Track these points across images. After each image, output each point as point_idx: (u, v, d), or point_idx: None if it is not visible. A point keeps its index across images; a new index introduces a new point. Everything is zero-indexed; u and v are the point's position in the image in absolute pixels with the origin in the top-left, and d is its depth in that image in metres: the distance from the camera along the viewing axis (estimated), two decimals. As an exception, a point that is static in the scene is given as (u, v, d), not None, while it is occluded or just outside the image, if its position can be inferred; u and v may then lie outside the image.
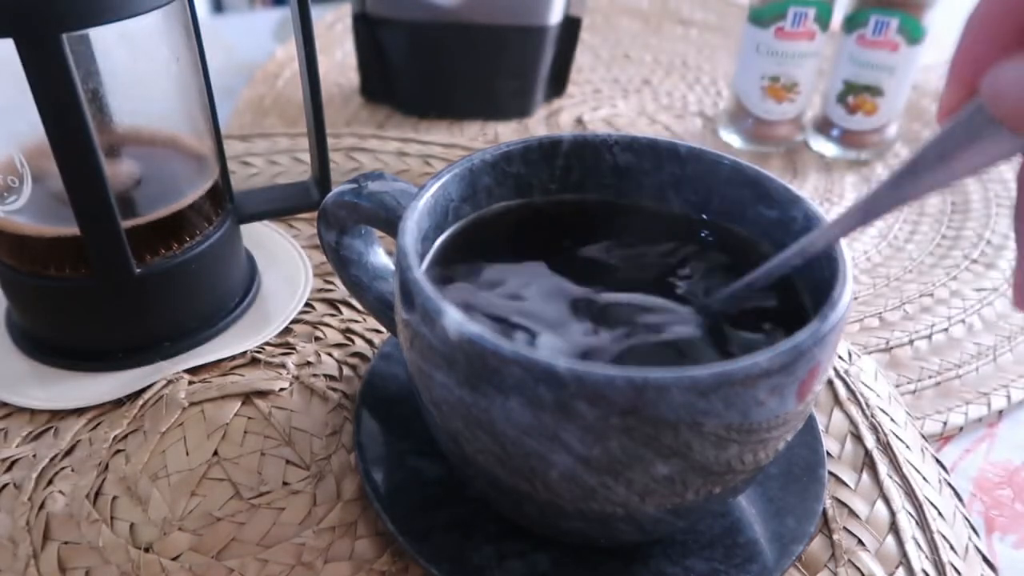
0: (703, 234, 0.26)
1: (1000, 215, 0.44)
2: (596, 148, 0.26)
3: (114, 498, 0.26)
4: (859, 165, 0.49)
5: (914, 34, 0.44)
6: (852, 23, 0.46)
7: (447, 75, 0.50)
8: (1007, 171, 0.48)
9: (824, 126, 0.49)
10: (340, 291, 0.35)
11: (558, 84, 0.54)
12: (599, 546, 0.24)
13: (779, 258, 0.22)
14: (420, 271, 0.20)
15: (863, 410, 0.30)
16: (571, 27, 0.50)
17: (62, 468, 0.27)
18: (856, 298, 0.38)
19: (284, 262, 0.37)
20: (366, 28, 0.48)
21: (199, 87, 0.31)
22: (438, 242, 0.25)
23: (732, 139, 0.50)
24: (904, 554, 0.25)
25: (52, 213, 0.28)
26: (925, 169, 0.17)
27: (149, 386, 0.30)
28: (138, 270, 0.29)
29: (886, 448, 0.28)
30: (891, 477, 0.27)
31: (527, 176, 0.26)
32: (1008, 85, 0.15)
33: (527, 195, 0.27)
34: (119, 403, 0.30)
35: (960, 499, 0.28)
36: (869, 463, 0.28)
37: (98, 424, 0.29)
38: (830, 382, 0.31)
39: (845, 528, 0.26)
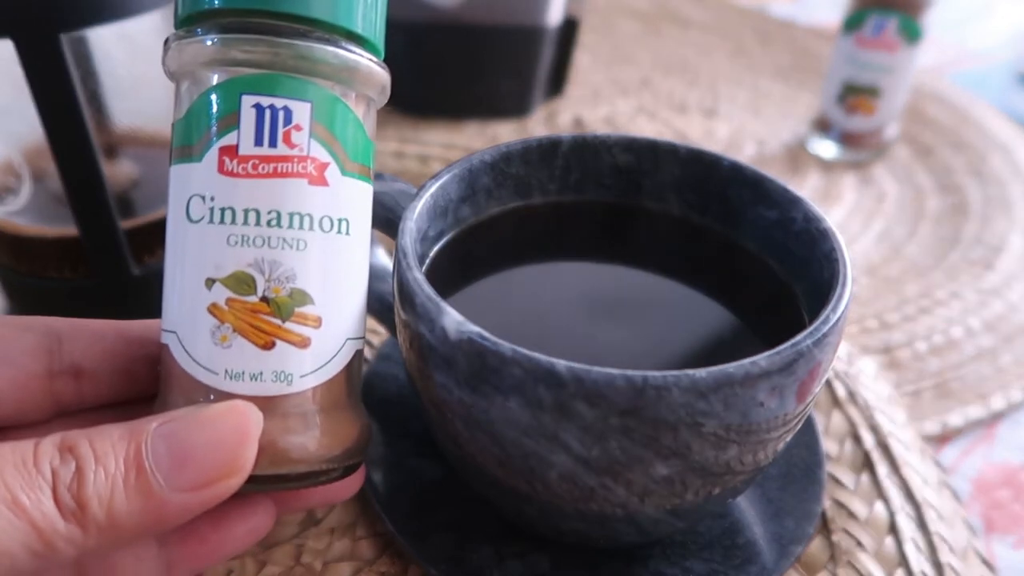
0: (702, 235, 0.26)
1: (998, 217, 0.44)
2: (595, 149, 0.26)
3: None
4: (858, 166, 0.49)
5: (912, 34, 0.45)
6: (850, 24, 0.46)
7: (446, 75, 0.50)
8: (1005, 173, 0.48)
9: (823, 127, 0.49)
10: (339, 292, 0.35)
11: (557, 84, 0.54)
12: (598, 547, 0.24)
13: None
14: (419, 272, 0.20)
15: (862, 411, 0.30)
16: (570, 28, 0.50)
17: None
18: (855, 299, 0.38)
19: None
20: (365, 29, 0.48)
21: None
22: (437, 243, 0.25)
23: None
24: (903, 555, 0.25)
25: (51, 214, 0.28)
26: None
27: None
28: (137, 271, 0.29)
29: (885, 449, 0.28)
30: (890, 478, 0.27)
31: (526, 177, 0.26)
32: None
33: (526, 196, 0.27)
34: (118, 404, 0.30)
35: (959, 500, 0.28)
36: (868, 464, 0.28)
37: (97, 425, 0.29)
38: (829, 383, 0.31)
39: (844, 529, 0.26)
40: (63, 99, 0.25)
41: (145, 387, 0.21)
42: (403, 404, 0.29)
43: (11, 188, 0.28)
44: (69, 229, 0.28)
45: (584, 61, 0.60)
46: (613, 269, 0.26)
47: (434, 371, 0.20)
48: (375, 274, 0.28)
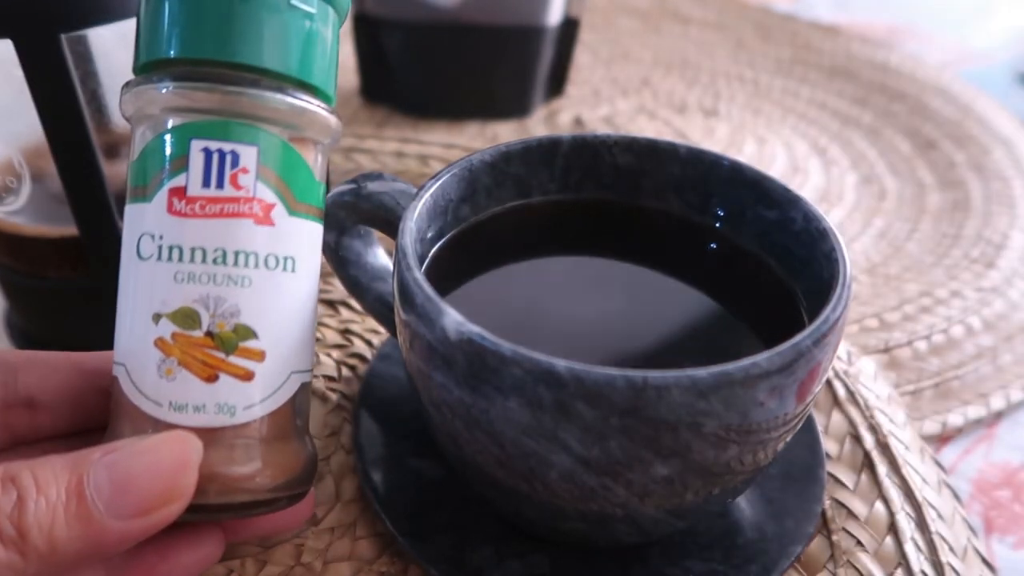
0: (702, 234, 0.26)
1: (1000, 213, 0.44)
2: (595, 148, 0.26)
3: (113, 499, 0.26)
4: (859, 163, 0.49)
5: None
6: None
7: (446, 75, 0.50)
8: (1007, 168, 0.48)
9: None
10: (338, 292, 0.35)
11: (557, 84, 0.54)
12: (598, 547, 0.24)
13: None
14: (419, 271, 0.20)
15: (862, 411, 0.30)
16: (570, 28, 0.50)
17: (61, 469, 0.27)
18: (856, 298, 0.38)
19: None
20: (366, 28, 0.48)
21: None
22: (437, 243, 0.25)
23: None
24: (903, 555, 0.25)
25: (51, 214, 0.28)
26: None
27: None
28: (137, 271, 0.29)
29: (885, 449, 0.28)
30: (890, 478, 0.27)
31: (526, 176, 0.26)
32: None
33: (526, 195, 0.27)
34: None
35: (959, 500, 0.28)
36: (868, 464, 0.28)
37: (97, 425, 0.29)
38: (829, 383, 0.31)
39: (844, 529, 0.26)
40: (63, 99, 0.25)
41: (100, 418, 0.21)
42: (403, 404, 0.29)
43: (11, 188, 0.28)
44: (69, 229, 0.28)
45: (584, 60, 0.60)
46: (613, 269, 0.26)
47: (434, 371, 0.20)
48: (375, 274, 0.28)
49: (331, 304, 0.35)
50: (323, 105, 0.20)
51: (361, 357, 0.32)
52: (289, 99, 0.19)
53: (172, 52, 0.19)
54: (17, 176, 0.28)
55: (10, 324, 0.33)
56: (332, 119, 0.21)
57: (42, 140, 0.25)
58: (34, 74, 0.24)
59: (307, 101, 0.20)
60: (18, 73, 0.24)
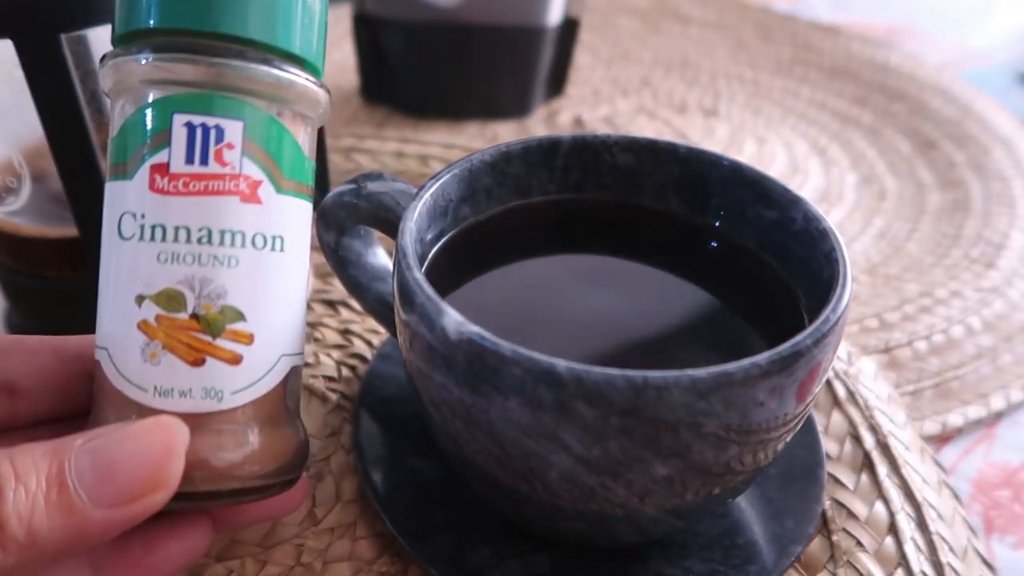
0: (702, 235, 0.26)
1: (1000, 213, 0.44)
2: (595, 148, 0.26)
3: (113, 499, 0.26)
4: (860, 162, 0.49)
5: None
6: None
7: (446, 75, 0.50)
8: (1007, 168, 0.48)
9: None
10: (338, 292, 0.35)
11: (557, 84, 0.54)
12: (598, 547, 0.24)
13: None
14: (419, 272, 0.20)
15: (862, 411, 0.30)
16: (570, 28, 0.50)
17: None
18: (856, 298, 0.38)
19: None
20: (365, 28, 0.48)
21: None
22: (437, 243, 0.25)
23: None
24: (903, 555, 0.25)
25: (51, 214, 0.28)
26: None
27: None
28: (137, 271, 0.29)
29: (885, 449, 0.28)
30: (890, 478, 0.27)
31: (526, 176, 0.26)
32: None
33: (526, 195, 0.27)
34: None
35: (959, 500, 0.28)
36: (868, 464, 0.28)
37: (97, 425, 0.29)
38: (829, 383, 0.31)
39: (844, 529, 0.26)
40: (63, 99, 0.25)
41: (83, 403, 0.21)
42: (403, 405, 0.29)
43: (11, 188, 0.28)
44: (69, 229, 0.28)
45: (584, 60, 0.60)
46: (613, 269, 0.26)
47: (434, 371, 0.20)
48: (375, 274, 0.28)
49: (331, 304, 0.35)
50: (311, 78, 0.20)
51: (361, 357, 0.32)
52: (276, 72, 0.19)
53: (151, 22, 0.18)
54: (17, 176, 0.28)
55: (10, 324, 0.33)
56: (321, 93, 0.20)
57: (42, 140, 0.25)
58: (34, 74, 0.24)
59: (295, 74, 0.19)
60: (18, 73, 0.24)
